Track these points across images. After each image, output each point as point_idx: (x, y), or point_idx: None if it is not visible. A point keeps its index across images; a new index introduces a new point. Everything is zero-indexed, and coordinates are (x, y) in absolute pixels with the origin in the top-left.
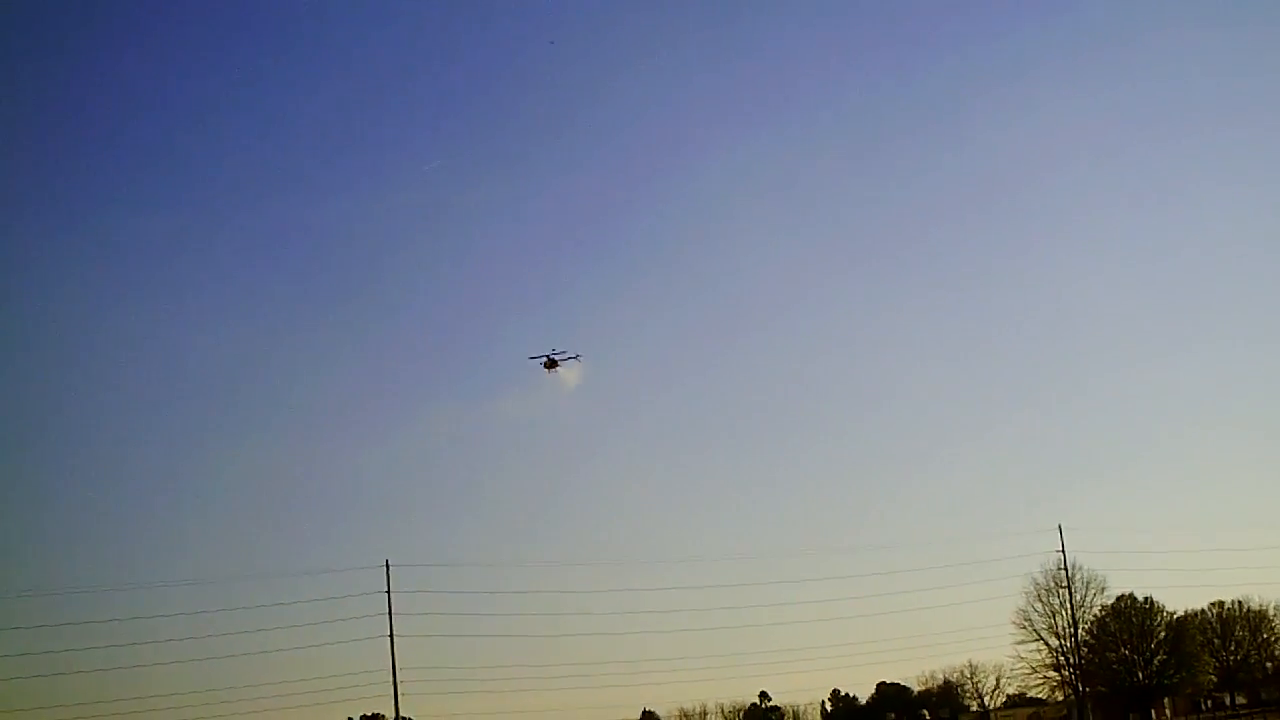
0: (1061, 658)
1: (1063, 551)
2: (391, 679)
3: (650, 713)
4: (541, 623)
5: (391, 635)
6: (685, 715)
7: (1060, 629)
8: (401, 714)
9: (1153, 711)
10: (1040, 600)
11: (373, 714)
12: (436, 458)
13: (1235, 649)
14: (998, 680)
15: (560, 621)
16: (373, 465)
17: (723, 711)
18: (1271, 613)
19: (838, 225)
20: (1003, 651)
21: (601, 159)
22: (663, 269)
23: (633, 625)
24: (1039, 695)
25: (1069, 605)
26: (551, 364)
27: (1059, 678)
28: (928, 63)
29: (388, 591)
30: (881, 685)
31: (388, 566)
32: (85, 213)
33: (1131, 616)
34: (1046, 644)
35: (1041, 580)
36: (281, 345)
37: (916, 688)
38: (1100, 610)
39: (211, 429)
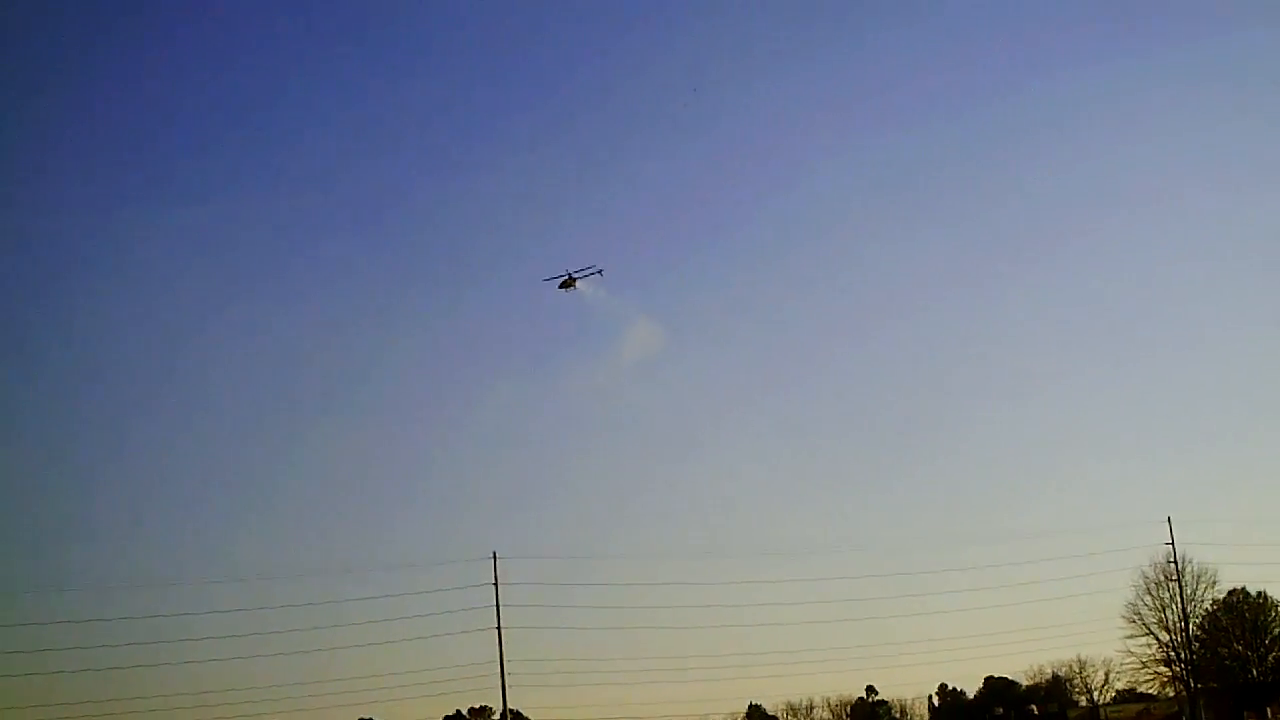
0: (1172, 653)
1: (1172, 544)
2: (499, 671)
3: (757, 706)
4: (649, 615)
5: (499, 627)
6: (792, 709)
7: (1170, 624)
8: (509, 706)
9: (1269, 710)
10: (1150, 594)
11: (480, 706)
12: (526, 443)
13: None
14: (1107, 675)
15: (667, 614)
16: (475, 455)
17: (829, 705)
18: None
19: (955, 223)
20: (1112, 646)
21: (709, 152)
22: (763, 260)
23: (740, 619)
24: (1149, 691)
25: (1179, 599)
26: (569, 282)
27: (1169, 673)
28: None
29: (495, 584)
30: (989, 679)
31: (495, 559)
32: (149, 199)
33: (1244, 612)
34: (1156, 639)
35: (1151, 574)
36: (356, 329)
37: (1025, 682)
38: (1212, 605)
39: (297, 420)
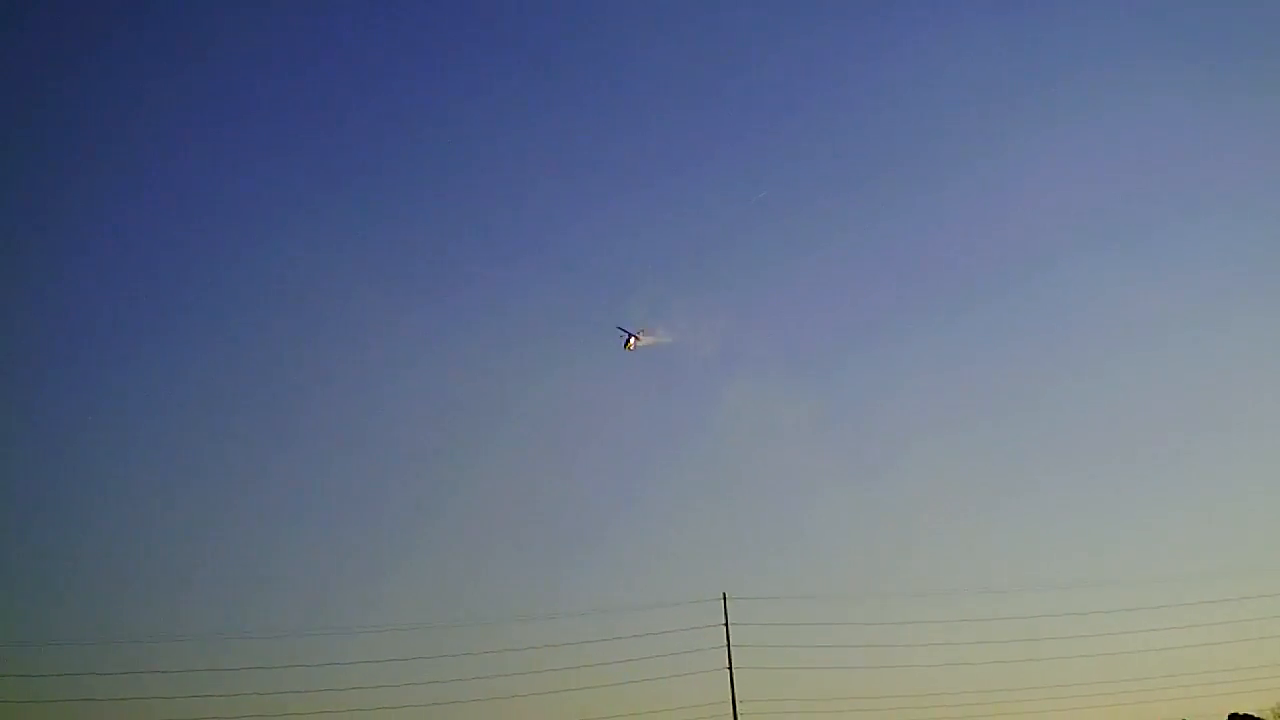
0: None
1: None
2: (731, 712)
3: None
4: (884, 654)
5: (730, 667)
6: None
7: None
8: None
9: None
10: None
11: None
12: (754, 482)
13: None
14: None
15: (902, 653)
16: (704, 495)
17: None
18: None
19: None
20: None
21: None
22: None
23: (982, 655)
24: None
25: None
26: (630, 338)
27: None
28: None
29: (725, 624)
30: (1233, 717)
31: (725, 599)
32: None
33: None
34: None
35: None
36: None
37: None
38: None
39: (531, 460)
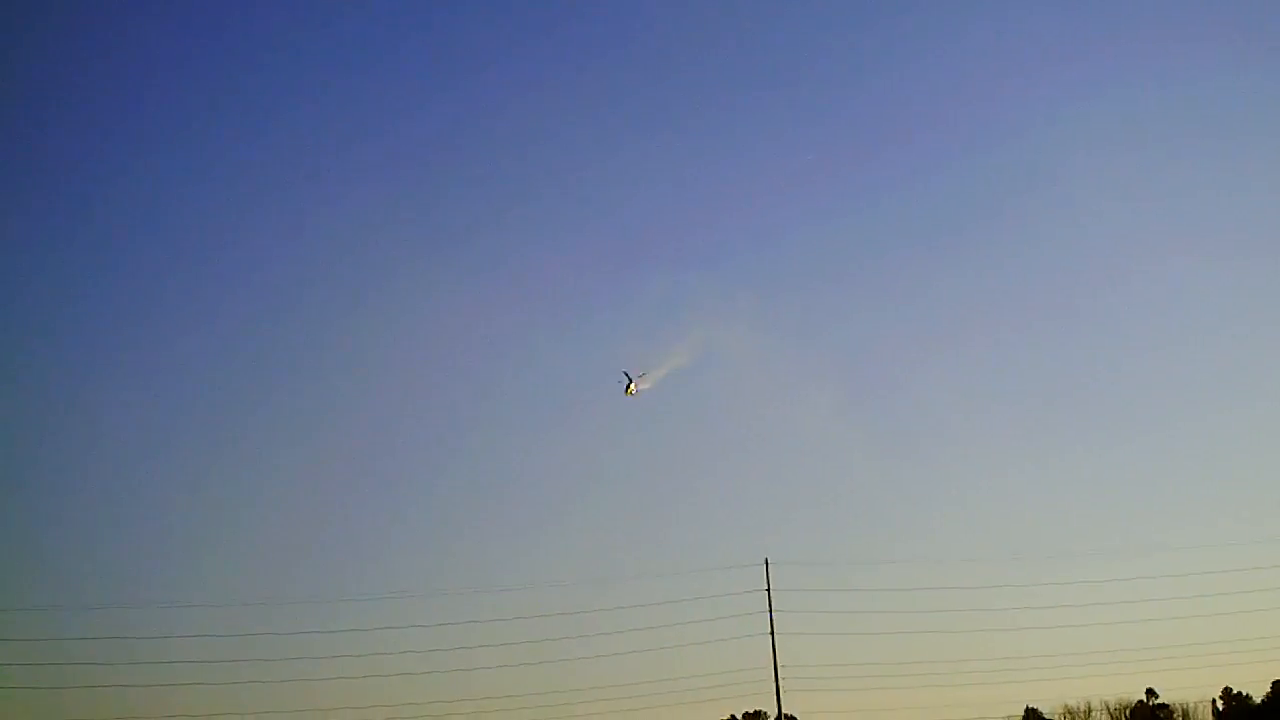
0: None
1: None
2: (773, 676)
3: (1033, 710)
4: (924, 619)
5: (772, 632)
6: (1069, 712)
7: None
8: (784, 711)
9: None
10: None
11: (755, 711)
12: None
13: None
14: None
15: (942, 618)
16: (749, 461)
17: (1108, 709)
18: None
19: None
20: None
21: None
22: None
23: (1014, 621)
24: None
25: None
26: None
27: None
28: None
29: (768, 589)
30: (1277, 683)
31: (767, 565)
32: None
33: None
34: None
35: None
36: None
37: None
38: None
39: (577, 427)
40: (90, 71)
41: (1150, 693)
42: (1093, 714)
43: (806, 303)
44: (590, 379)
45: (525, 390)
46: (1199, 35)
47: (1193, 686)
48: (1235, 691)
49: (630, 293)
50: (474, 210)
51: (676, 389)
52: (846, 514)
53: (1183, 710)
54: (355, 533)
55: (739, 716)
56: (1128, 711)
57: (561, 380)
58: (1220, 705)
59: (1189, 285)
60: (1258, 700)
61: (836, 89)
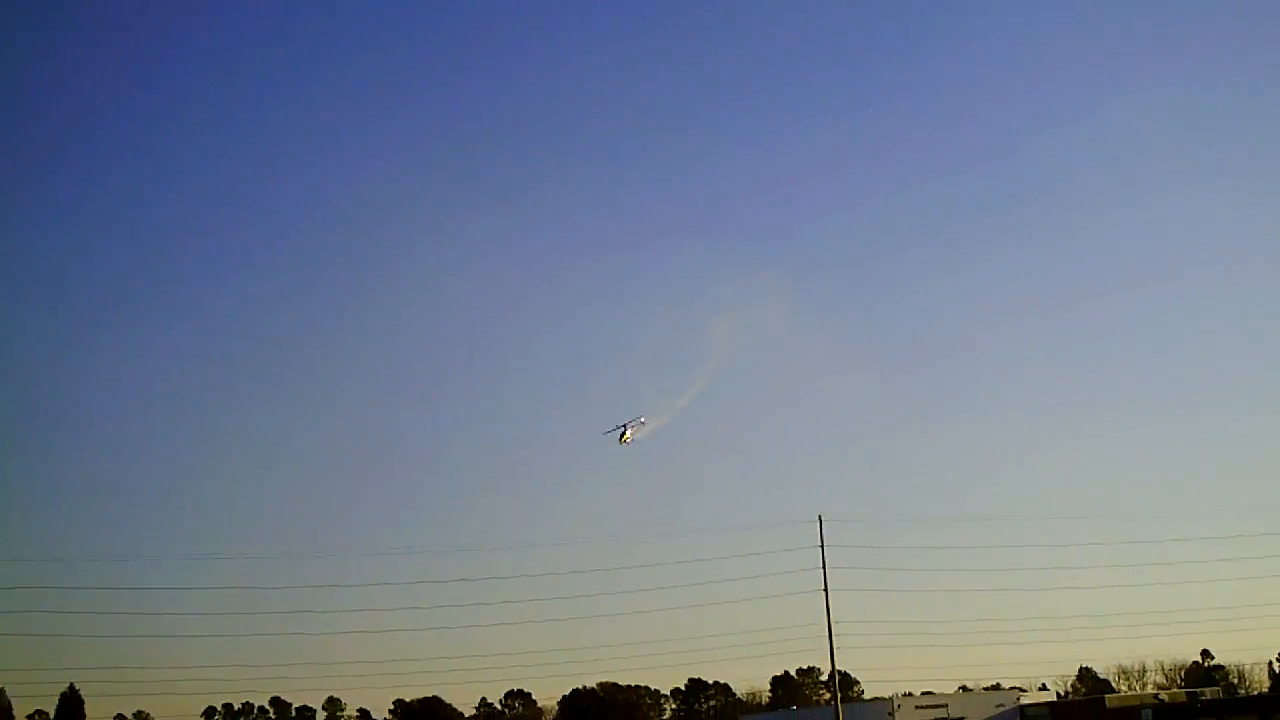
0: None
1: None
2: (827, 633)
3: (1087, 669)
4: (979, 578)
5: (826, 589)
6: (1123, 672)
7: None
8: (836, 667)
9: None
10: None
11: (808, 667)
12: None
13: None
14: None
15: (998, 577)
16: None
17: (1162, 669)
18: None
19: None
20: None
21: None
22: None
23: (1069, 581)
24: None
25: None
26: (624, 435)
27: None
28: None
29: (821, 545)
30: None
31: (820, 521)
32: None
33: None
34: None
35: None
36: None
37: None
38: None
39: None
40: (95, 64)
41: (1205, 654)
42: (1147, 674)
43: (848, 278)
44: (640, 340)
45: (575, 349)
46: None
47: (1249, 649)
48: None
49: (668, 261)
50: (526, 169)
51: (727, 354)
52: (901, 473)
53: (1238, 672)
54: (394, 487)
55: (793, 672)
56: (1182, 673)
57: (614, 342)
58: (1277, 667)
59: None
60: None
61: (892, 65)
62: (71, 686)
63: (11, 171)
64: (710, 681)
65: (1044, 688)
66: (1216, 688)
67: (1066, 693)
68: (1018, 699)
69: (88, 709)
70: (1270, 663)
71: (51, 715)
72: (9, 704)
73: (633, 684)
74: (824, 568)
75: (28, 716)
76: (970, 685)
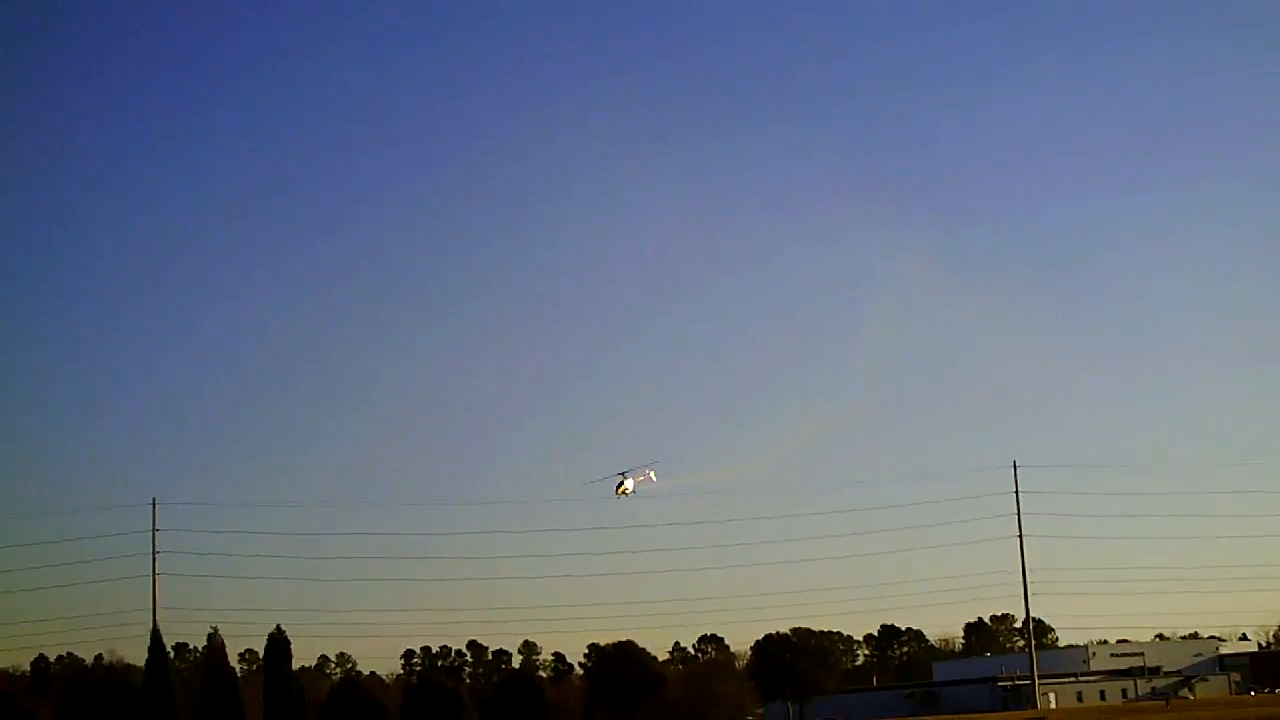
0: None
1: None
2: (1021, 579)
3: None
4: (1172, 525)
5: (1020, 535)
6: None
7: None
8: (1031, 614)
9: None
10: None
11: (1002, 614)
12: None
13: None
14: None
15: (1194, 524)
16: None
17: None
18: None
19: None
20: None
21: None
22: None
23: (1267, 529)
24: None
25: None
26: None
27: None
28: None
29: (1015, 492)
30: None
31: (1015, 468)
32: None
33: None
34: None
35: None
36: None
37: None
38: None
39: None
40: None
41: None
42: None
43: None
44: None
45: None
46: None
47: None
48: None
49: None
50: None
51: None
52: (1095, 419)
53: None
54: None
55: (986, 619)
56: None
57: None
58: None
59: None
60: None
61: None
62: (279, 628)
63: (11, 172)
64: (903, 628)
65: (1244, 638)
66: None
67: (1269, 643)
68: (1216, 648)
69: (294, 650)
70: None
71: (260, 655)
72: (222, 643)
73: (825, 629)
74: (1018, 514)
75: (239, 655)
76: (1167, 634)
